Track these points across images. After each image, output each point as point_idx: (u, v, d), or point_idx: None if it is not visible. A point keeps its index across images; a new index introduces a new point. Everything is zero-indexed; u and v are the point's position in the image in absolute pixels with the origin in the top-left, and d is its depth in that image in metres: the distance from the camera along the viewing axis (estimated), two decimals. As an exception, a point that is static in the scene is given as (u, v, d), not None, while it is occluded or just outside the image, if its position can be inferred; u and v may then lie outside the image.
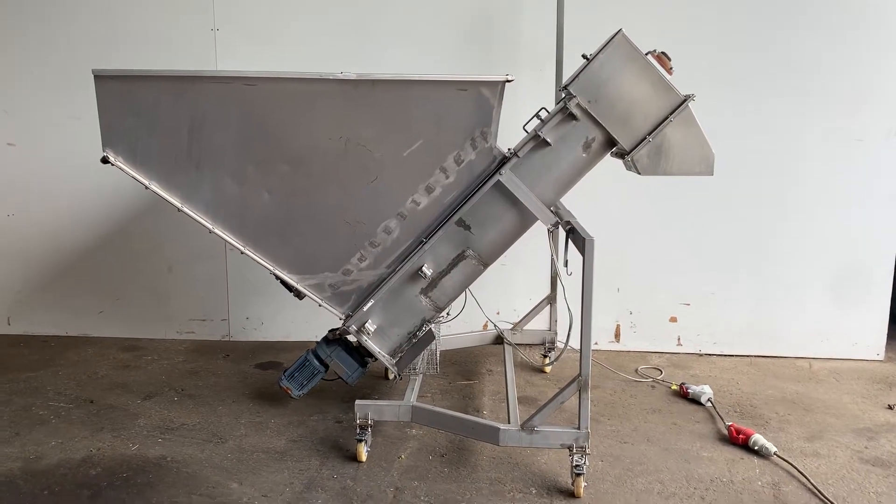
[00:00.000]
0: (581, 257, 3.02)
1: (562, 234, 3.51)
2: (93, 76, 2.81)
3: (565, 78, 3.45)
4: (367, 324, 3.54)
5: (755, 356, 4.87)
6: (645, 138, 3.30)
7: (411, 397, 3.54)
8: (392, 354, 3.63)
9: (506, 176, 3.37)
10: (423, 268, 3.47)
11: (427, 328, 3.62)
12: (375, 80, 3.12)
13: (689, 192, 4.68)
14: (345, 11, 4.75)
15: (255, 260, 3.34)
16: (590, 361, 3.08)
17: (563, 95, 3.49)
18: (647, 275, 4.86)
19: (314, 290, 3.50)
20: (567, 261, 3.40)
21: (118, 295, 5.16)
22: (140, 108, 2.91)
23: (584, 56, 3.49)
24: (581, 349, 3.09)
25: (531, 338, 4.61)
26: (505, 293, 4.95)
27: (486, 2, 4.72)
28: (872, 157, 4.62)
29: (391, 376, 4.39)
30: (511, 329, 4.58)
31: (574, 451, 3.16)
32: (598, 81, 3.27)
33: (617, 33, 3.24)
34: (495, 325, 4.49)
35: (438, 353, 3.80)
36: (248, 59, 4.76)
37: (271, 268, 3.39)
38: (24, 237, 5.12)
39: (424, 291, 3.55)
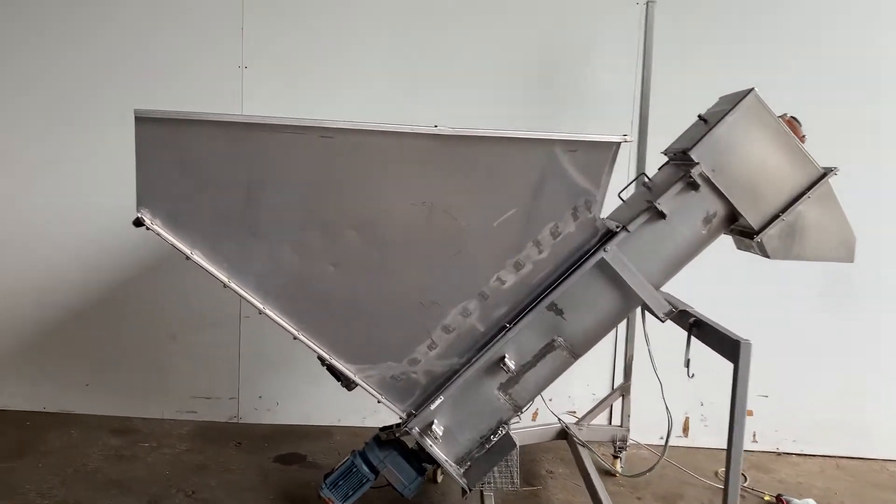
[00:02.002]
0: (731, 364, 2.47)
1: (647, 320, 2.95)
2: (134, 118, 2.21)
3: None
4: (433, 425, 2.92)
5: (840, 457, 4.32)
6: (777, 216, 2.80)
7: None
8: (459, 462, 3.01)
9: (611, 253, 2.83)
10: (506, 359, 2.89)
11: (503, 431, 3.01)
12: (472, 137, 2.57)
13: (769, 271, 4.17)
14: (390, 55, 4.23)
15: (309, 346, 2.71)
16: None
17: (677, 161, 2.99)
18: (721, 360, 4.29)
19: (373, 382, 2.89)
20: (689, 360, 2.85)
21: (108, 365, 4.44)
22: (189, 160, 2.31)
23: (700, 117, 3.01)
24: (727, 493, 2.49)
25: (598, 435, 4.00)
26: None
27: (551, 51, 4.25)
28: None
29: (440, 478, 3.74)
30: (576, 423, 3.97)
31: None
32: (724, 148, 2.78)
33: (748, 93, 2.76)
34: (559, 419, 3.88)
35: (518, 462, 3.17)
36: (276, 100, 4.21)
37: (327, 356, 2.76)
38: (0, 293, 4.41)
39: (504, 387, 2.96)
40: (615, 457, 4.00)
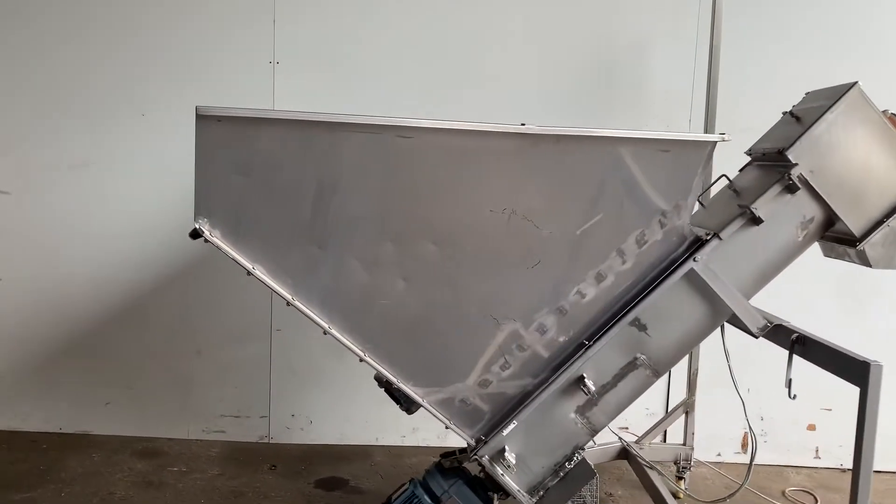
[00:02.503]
0: (855, 388, 2.22)
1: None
2: (195, 116, 1.93)
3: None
4: (506, 452, 2.67)
5: (911, 473, 4.10)
6: (881, 221, 2.56)
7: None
8: (531, 492, 2.75)
9: (702, 263, 2.58)
10: (585, 379, 2.64)
11: (578, 458, 2.76)
12: (563, 136, 2.32)
13: (834, 271, 3.94)
14: (430, 50, 3.98)
15: (376, 369, 2.45)
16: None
17: (766, 162, 2.76)
18: (782, 372, 4.06)
19: (441, 406, 2.62)
20: (791, 380, 2.60)
21: (131, 382, 4.16)
22: (255, 163, 2.03)
23: (791, 114, 2.78)
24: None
25: (660, 454, 3.75)
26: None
27: (602, 45, 4.00)
28: None
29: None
30: (636, 442, 3.73)
31: None
32: (824, 147, 2.55)
33: (851, 88, 2.53)
34: (621, 439, 3.63)
35: (599, 491, 2.92)
36: (309, 97, 3.95)
37: (394, 380, 2.50)
38: (13, 306, 4.12)
39: (581, 410, 2.71)
40: (679, 478, 3.75)
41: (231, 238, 2.09)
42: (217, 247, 2.07)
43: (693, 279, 2.60)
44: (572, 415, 2.70)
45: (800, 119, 2.70)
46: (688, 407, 3.72)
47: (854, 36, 3.96)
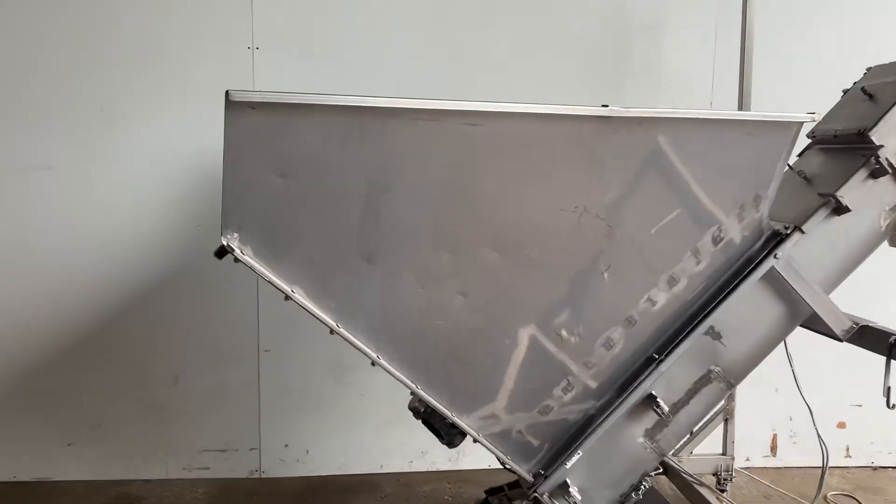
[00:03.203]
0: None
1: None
2: (225, 102, 1.49)
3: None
4: (570, 488, 2.32)
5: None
6: (967, 207, 2.32)
7: None
8: (597, 530, 2.42)
9: (783, 261, 2.28)
10: (658, 399, 2.31)
11: (646, 486, 2.43)
12: (650, 119, 1.98)
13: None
14: (424, 30, 3.59)
15: (429, 402, 2.06)
16: None
17: (837, 144, 2.49)
18: (811, 368, 3.85)
19: (498, 440, 2.25)
20: (890, 388, 2.33)
21: (97, 418, 3.64)
22: (296, 161, 1.62)
23: (863, 91, 2.51)
24: None
25: (700, 466, 3.46)
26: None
27: (614, 21, 3.69)
28: None
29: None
30: (675, 454, 3.43)
31: None
32: (902, 126, 2.28)
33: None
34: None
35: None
36: (291, 84, 3.50)
37: (450, 413, 2.11)
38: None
39: (650, 433, 2.39)
40: (721, 490, 3.47)
41: (266, 255, 1.67)
42: (251, 267, 1.65)
43: (772, 279, 2.31)
44: (641, 438, 2.38)
45: (873, 97, 2.44)
46: (727, 414, 3.45)
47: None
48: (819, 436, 2.89)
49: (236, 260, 1.63)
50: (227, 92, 1.48)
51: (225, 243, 1.60)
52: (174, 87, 3.42)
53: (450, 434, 2.38)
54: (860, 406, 3.92)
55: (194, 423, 3.67)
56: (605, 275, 2.15)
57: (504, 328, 2.09)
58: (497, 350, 2.12)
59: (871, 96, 2.45)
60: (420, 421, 2.42)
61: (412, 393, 2.04)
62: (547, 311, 2.14)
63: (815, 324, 2.45)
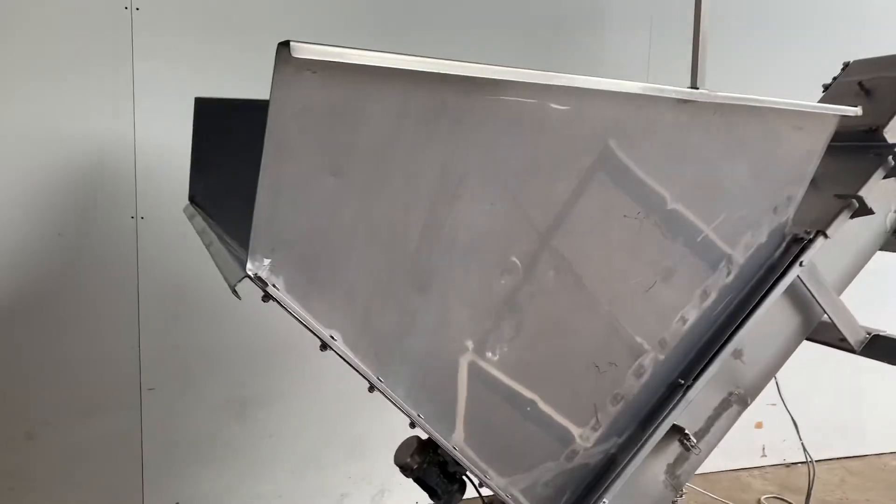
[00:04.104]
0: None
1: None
2: (275, 62, 0.94)
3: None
4: (594, 543, 1.97)
5: (840, 458, 4.05)
6: (963, 205, 2.27)
7: None
8: (613, 584, 2.09)
9: (807, 269, 2.08)
10: (686, 431, 2.03)
11: (661, 528, 2.14)
12: (741, 106, 1.67)
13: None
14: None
15: (462, 462, 1.61)
16: None
17: (844, 142, 2.34)
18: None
19: (522, 496, 1.85)
20: None
21: None
22: (357, 153, 1.08)
23: (860, 85, 2.39)
24: None
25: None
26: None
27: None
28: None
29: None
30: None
31: None
32: (907, 123, 2.19)
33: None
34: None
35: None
36: (184, 58, 2.86)
37: (484, 476, 1.68)
38: None
39: (671, 468, 2.10)
40: None
41: (301, 289, 1.13)
42: (285, 307, 1.10)
43: (793, 288, 2.10)
44: (662, 476, 2.09)
45: (871, 92, 2.33)
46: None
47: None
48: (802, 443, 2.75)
49: (265, 298, 1.08)
50: (283, 44, 0.93)
51: (252, 275, 1.05)
52: (31, 57, 2.63)
53: (448, 492, 1.95)
54: (774, 405, 3.94)
55: (56, 489, 2.87)
56: (649, 292, 1.82)
57: (550, 366, 1.70)
58: (538, 393, 1.71)
59: (868, 92, 2.33)
60: (411, 479, 1.96)
61: (455, 461, 1.58)
62: (588, 338, 1.77)
63: (820, 334, 2.30)
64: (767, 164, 1.91)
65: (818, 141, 1.97)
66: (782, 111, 1.82)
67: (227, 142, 2.31)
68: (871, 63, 2.47)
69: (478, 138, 1.25)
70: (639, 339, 1.88)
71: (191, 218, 1.98)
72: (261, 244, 1.03)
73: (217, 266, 1.31)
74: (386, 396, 1.34)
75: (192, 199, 2.24)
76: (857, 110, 1.96)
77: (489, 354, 1.53)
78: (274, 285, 1.07)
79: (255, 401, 3.07)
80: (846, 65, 2.56)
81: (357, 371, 1.26)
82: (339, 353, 1.21)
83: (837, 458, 4.07)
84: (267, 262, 1.05)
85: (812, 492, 2.67)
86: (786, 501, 3.56)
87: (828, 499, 3.58)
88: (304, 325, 1.14)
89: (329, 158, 1.06)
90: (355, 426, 3.21)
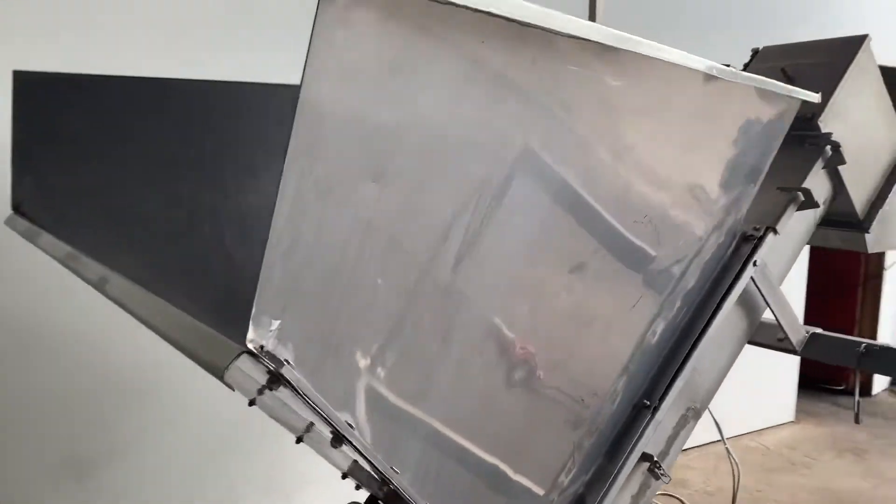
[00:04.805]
0: None
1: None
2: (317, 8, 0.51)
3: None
4: None
5: (703, 445, 4.13)
6: (880, 199, 2.28)
7: None
8: None
9: (759, 269, 1.94)
10: (655, 458, 1.82)
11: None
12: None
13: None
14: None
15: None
16: None
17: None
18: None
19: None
20: (859, 402, 2.14)
21: None
22: (410, 144, 0.67)
23: (783, 72, 2.29)
24: None
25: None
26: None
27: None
28: None
29: None
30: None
31: None
32: (843, 114, 2.14)
33: (862, 42, 2.15)
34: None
35: None
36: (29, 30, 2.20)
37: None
38: None
39: (636, 499, 1.87)
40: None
41: (309, 361, 0.69)
42: (301, 392, 0.66)
43: (745, 291, 1.95)
44: (629, 509, 1.85)
45: (793, 79, 2.24)
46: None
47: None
48: (729, 452, 2.66)
49: (268, 386, 0.64)
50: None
51: (253, 346, 0.60)
52: None
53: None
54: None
55: None
56: (633, 310, 1.56)
57: (551, 406, 1.38)
58: (537, 437, 1.40)
59: (790, 79, 2.24)
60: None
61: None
62: (579, 367, 1.47)
63: (757, 335, 2.18)
64: (737, 152, 1.72)
65: (778, 128, 1.80)
66: (742, 86, 1.62)
67: (60, 128, 1.74)
68: (783, 49, 2.40)
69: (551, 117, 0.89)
70: (615, 363, 1.61)
71: (29, 235, 1.41)
72: (269, 300, 0.59)
73: (141, 321, 0.84)
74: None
75: (16, 208, 1.65)
76: (816, 96, 1.83)
77: (502, 408, 1.18)
78: (287, 361, 0.63)
79: (91, 459, 2.44)
80: (755, 51, 2.48)
81: (367, 464, 0.85)
82: (355, 443, 0.79)
83: (705, 444, 4.15)
84: (275, 325, 0.62)
85: (737, 494, 2.58)
86: (675, 497, 3.53)
87: (709, 484, 3.61)
88: (321, 414, 0.71)
89: (377, 153, 0.64)
90: (224, 477, 2.67)
